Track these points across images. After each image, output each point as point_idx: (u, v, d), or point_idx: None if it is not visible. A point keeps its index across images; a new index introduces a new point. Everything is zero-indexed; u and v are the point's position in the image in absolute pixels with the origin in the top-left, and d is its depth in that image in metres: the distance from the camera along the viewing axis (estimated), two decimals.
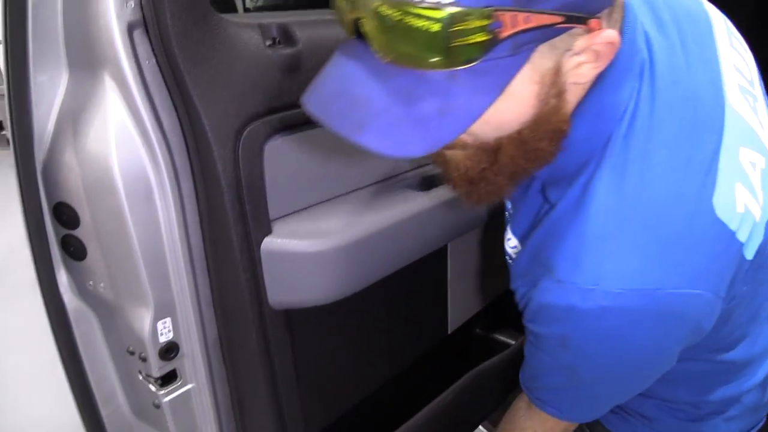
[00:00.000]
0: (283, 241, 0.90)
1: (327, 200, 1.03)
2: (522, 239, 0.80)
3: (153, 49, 0.78)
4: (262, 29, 0.88)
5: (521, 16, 0.48)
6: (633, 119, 0.63)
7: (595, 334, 0.65)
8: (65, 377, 0.95)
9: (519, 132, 0.60)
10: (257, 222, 0.89)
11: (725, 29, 0.76)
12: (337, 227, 0.95)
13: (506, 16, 0.47)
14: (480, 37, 0.48)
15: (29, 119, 0.79)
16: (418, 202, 1.05)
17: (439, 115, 0.52)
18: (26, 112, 0.79)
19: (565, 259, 0.65)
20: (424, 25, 0.47)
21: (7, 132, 0.81)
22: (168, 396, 0.94)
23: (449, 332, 1.40)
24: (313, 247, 0.91)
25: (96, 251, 0.86)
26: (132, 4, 0.75)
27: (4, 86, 0.77)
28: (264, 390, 0.97)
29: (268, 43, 0.88)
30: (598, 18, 0.54)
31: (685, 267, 0.62)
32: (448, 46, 0.48)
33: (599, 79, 0.62)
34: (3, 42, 0.75)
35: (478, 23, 0.47)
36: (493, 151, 0.62)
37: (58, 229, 0.88)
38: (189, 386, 0.96)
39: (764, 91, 0.78)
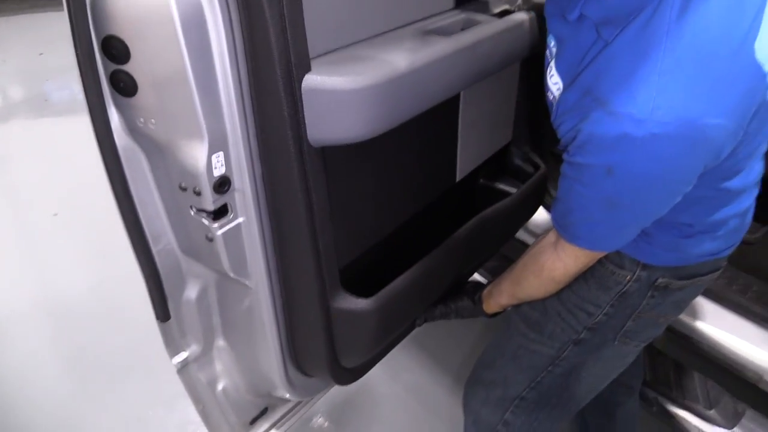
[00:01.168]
0: (322, 78, 0.92)
1: (361, 41, 1.05)
2: (567, 75, 0.85)
3: None
4: None
5: None
6: None
7: (642, 161, 0.75)
8: (119, 216, 0.99)
9: None
10: (299, 58, 0.90)
11: None
12: (372, 66, 0.97)
13: None
14: None
15: None
16: (444, 46, 1.08)
17: None
18: None
19: (621, 92, 0.73)
20: None
21: None
22: (221, 229, 0.99)
23: (457, 180, 1.48)
24: (350, 84, 0.93)
25: (147, 86, 0.88)
26: None
27: None
28: (304, 222, 1.02)
29: None
30: None
31: (724, 101, 0.72)
32: None
33: None
34: None
35: None
36: None
37: (107, 65, 0.88)
38: (240, 219, 1.01)
39: None
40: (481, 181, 1.64)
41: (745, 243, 1.73)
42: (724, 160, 0.82)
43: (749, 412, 1.50)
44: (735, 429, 1.48)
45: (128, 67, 0.87)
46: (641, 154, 0.74)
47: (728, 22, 0.72)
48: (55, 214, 2.92)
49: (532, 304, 1.18)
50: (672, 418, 1.53)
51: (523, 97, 1.61)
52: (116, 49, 0.86)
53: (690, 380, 1.58)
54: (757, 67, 0.73)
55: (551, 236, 1.05)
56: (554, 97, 0.92)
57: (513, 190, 1.62)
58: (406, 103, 1.04)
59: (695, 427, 1.50)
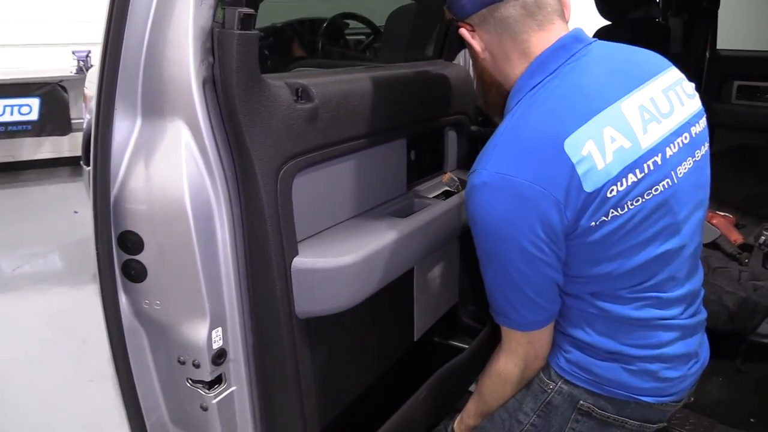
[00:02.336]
0: (309, 260, 1.10)
1: (335, 224, 1.25)
2: None
3: (218, 101, 0.95)
4: (289, 87, 1.07)
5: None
6: (536, 92, 1.05)
7: (483, 205, 1.01)
8: (119, 389, 1.05)
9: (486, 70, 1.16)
10: (289, 244, 1.07)
11: (674, 86, 1.12)
12: (349, 247, 1.15)
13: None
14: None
15: (108, 162, 0.93)
16: (402, 227, 1.29)
17: None
18: (107, 155, 0.93)
19: (477, 159, 1.05)
20: None
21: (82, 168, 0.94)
22: (216, 398, 1.07)
23: (415, 339, 1.63)
24: (333, 263, 1.11)
25: (157, 272, 1.00)
26: (206, 63, 0.93)
27: (92, 131, 0.91)
28: (292, 387, 1.12)
29: (293, 98, 1.07)
30: (468, 21, 1.10)
31: (533, 169, 0.98)
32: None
33: (525, 69, 1.07)
34: (97, 95, 0.89)
35: None
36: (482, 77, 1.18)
37: (120, 255, 1.00)
38: (233, 388, 1.09)
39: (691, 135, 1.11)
40: (436, 339, 1.79)
41: None
42: (585, 265, 1.05)
43: None
44: None
45: (140, 257, 0.99)
46: (480, 197, 1.01)
47: (543, 122, 1.01)
48: None
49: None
50: None
51: (465, 262, 1.82)
52: (131, 242, 0.98)
53: None
54: (564, 154, 0.97)
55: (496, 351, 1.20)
56: None
57: (465, 345, 1.78)
58: (377, 276, 1.21)
59: None
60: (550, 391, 1.17)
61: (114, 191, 0.96)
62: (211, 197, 0.97)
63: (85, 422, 2.62)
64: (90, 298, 3.58)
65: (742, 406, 1.84)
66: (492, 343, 1.77)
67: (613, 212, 1.00)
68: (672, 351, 1.12)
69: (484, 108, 1.32)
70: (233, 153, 0.99)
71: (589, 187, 0.98)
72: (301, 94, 1.08)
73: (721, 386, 1.98)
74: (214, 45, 0.93)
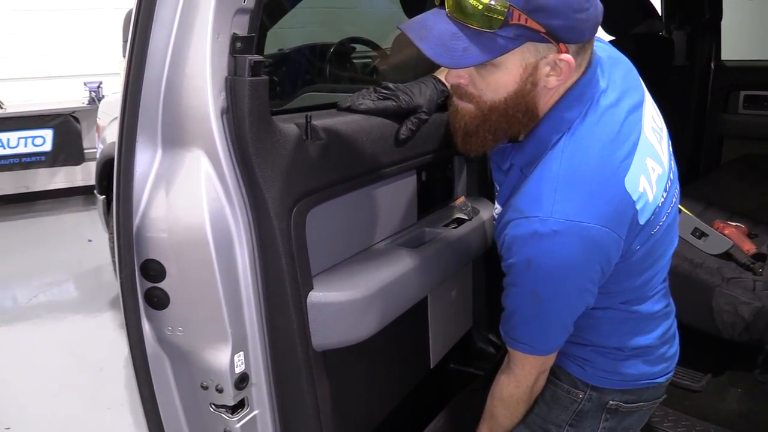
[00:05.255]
0: (324, 294, 1.12)
1: (348, 258, 1.28)
2: (503, 203, 1.13)
3: (235, 131, 0.98)
4: (299, 127, 1.09)
5: (523, 16, 0.88)
6: (577, 128, 1.02)
7: (549, 251, 0.99)
8: (143, 415, 1.07)
9: (505, 99, 0.99)
10: (304, 279, 1.09)
11: (646, 92, 1.16)
12: (362, 280, 1.18)
13: (515, 12, 0.88)
14: (499, 16, 0.88)
15: (131, 193, 0.96)
16: (414, 257, 1.31)
17: (463, 51, 0.91)
18: (130, 186, 0.95)
19: (532, 204, 1.00)
20: (474, 4, 0.88)
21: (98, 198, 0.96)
22: (239, 422, 1.08)
23: (431, 367, 1.65)
24: (347, 296, 1.14)
25: (180, 299, 1.02)
26: (223, 95, 0.96)
27: (115, 164, 0.94)
28: (311, 418, 1.14)
29: (303, 137, 1.09)
30: (567, 45, 0.94)
31: (601, 212, 0.98)
32: (482, 15, 0.88)
33: (561, 99, 1.02)
34: (120, 126, 0.92)
35: (500, 8, 0.87)
36: (487, 111, 1.01)
37: (143, 284, 1.02)
38: (255, 412, 1.11)
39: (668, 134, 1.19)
40: (452, 365, 1.80)
41: (692, 391, 1.92)
42: (621, 281, 1.08)
43: None
44: None
45: (163, 285, 1.01)
46: (548, 245, 0.98)
47: (601, 163, 1.01)
48: (8, 429, 2.81)
49: None
50: None
51: (478, 287, 1.84)
52: (154, 270, 1.01)
53: None
54: (626, 194, 1.00)
55: (503, 366, 1.22)
56: (496, 221, 1.18)
57: (480, 372, 1.79)
58: (391, 307, 1.24)
59: None
60: (580, 400, 1.23)
61: (136, 221, 0.99)
62: (230, 224, 1.00)
63: None
64: (106, 325, 3.62)
65: (762, 418, 1.83)
66: None
67: (653, 231, 1.07)
68: (672, 330, 1.26)
69: (463, 146, 1.09)
70: (247, 192, 1.01)
71: (643, 219, 1.03)
72: (311, 133, 1.11)
73: (740, 398, 1.97)
74: (227, 92, 0.96)
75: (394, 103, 1.28)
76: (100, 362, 3.24)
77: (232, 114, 0.97)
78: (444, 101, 1.33)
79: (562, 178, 1.00)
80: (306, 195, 1.09)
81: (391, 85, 1.31)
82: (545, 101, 1.02)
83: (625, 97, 1.08)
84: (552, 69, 0.96)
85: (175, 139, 0.97)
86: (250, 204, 1.01)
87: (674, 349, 1.28)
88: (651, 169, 1.06)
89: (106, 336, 3.44)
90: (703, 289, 1.86)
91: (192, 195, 0.97)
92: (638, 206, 1.02)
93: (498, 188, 1.21)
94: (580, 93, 1.02)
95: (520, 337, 1.12)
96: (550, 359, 1.17)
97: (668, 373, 1.27)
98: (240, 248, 1.02)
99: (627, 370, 1.21)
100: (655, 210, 1.06)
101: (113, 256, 3.49)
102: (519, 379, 1.18)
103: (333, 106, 1.32)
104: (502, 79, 0.97)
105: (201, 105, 0.94)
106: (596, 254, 1.00)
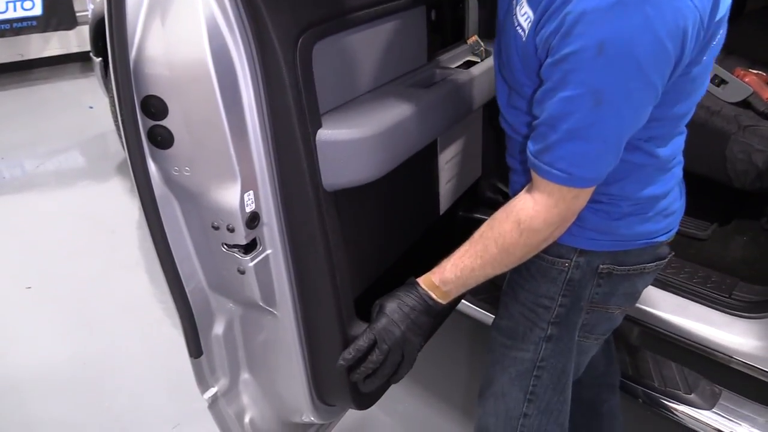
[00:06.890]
0: (333, 132, 1.07)
1: (357, 97, 1.22)
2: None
3: None
4: None
5: None
6: None
7: (631, 29, 0.81)
8: (157, 259, 1.08)
9: None
10: (312, 117, 1.04)
11: None
12: (372, 118, 1.13)
13: None
14: None
15: (124, 23, 0.90)
16: (425, 97, 1.25)
17: None
18: (122, 16, 0.89)
19: None
20: None
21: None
22: (252, 261, 1.09)
23: (440, 213, 1.64)
24: (357, 134, 1.08)
25: (184, 137, 0.99)
26: None
27: None
28: (323, 260, 1.14)
29: None
30: None
31: None
32: None
33: None
34: None
35: None
36: None
37: (145, 122, 0.99)
38: (268, 251, 1.11)
39: None
40: (461, 213, 1.80)
41: (698, 239, 1.94)
42: (668, 103, 0.95)
43: (725, 393, 1.65)
44: (714, 409, 1.62)
45: (166, 122, 0.98)
46: (631, 21, 0.80)
47: None
48: (29, 287, 2.92)
49: (501, 314, 1.29)
50: (657, 405, 1.67)
51: (487, 135, 1.79)
52: (155, 107, 0.97)
53: (669, 370, 1.73)
54: None
55: (522, 191, 1.04)
56: (524, 30, 0.97)
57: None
58: (401, 147, 1.20)
59: (678, 410, 1.64)
60: (567, 269, 1.15)
61: (132, 55, 0.94)
62: (234, 58, 0.94)
63: (122, 305, 2.74)
64: (115, 189, 3.66)
65: (766, 265, 1.86)
66: None
67: (713, 43, 0.96)
68: (672, 182, 1.14)
69: None
70: (249, 19, 0.94)
71: (718, 15, 0.91)
72: None
73: (744, 245, 1.99)
74: None
75: None
76: (112, 225, 3.30)
77: None
78: None
79: None
80: (312, 26, 1.01)
81: None
82: None
83: None
84: None
85: None
86: (253, 34, 0.95)
87: (677, 204, 1.18)
88: None
89: (115, 200, 3.49)
90: (718, 136, 1.83)
91: (190, 26, 0.91)
92: None
93: None
94: None
95: (556, 162, 0.92)
96: (583, 196, 0.98)
97: (670, 230, 1.18)
98: (244, 82, 0.97)
99: (621, 230, 1.10)
100: (721, 19, 0.92)
101: (116, 121, 3.45)
102: (541, 207, 0.97)
103: None
104: None
105: None
106: (676, 34, 0.83)
